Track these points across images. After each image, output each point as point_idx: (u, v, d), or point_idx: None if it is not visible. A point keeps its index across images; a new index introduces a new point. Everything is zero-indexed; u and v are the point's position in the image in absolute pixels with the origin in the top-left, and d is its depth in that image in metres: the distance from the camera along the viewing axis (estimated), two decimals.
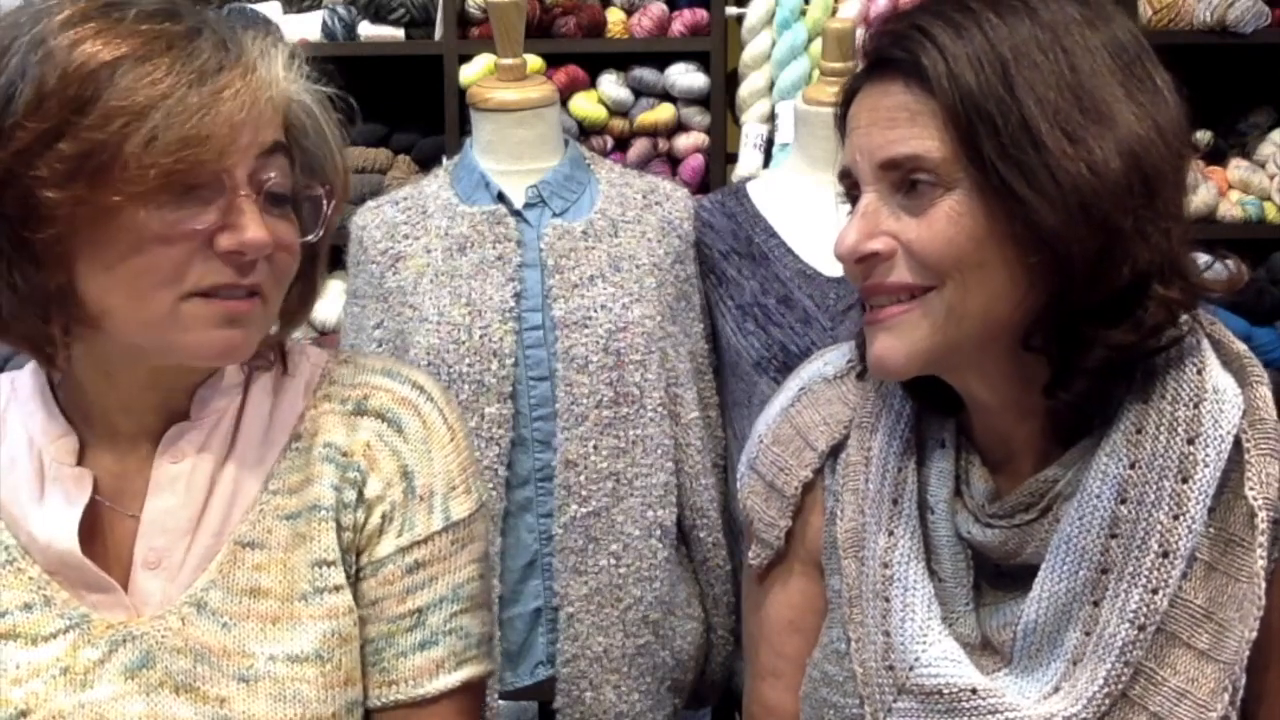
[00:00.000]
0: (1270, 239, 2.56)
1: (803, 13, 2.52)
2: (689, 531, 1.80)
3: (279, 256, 0.98)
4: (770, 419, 1.15)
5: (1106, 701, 0.94)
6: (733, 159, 2.57)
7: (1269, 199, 2.57)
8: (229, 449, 1.03)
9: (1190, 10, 2.50)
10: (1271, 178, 2.57)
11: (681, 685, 1.81)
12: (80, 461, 1.02)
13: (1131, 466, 0.94)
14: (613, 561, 1.70)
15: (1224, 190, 2.56)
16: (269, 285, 0.98)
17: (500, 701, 1.73)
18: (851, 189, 1.01)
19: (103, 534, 1.01)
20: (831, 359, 1.16)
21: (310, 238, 1.01)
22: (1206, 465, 0.93)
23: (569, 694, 1.71)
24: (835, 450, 1.10)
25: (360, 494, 1.03)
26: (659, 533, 1.73)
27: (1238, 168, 2.58)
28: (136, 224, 0.92)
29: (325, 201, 1.02)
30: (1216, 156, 2.63)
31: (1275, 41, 2.53)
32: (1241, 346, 1.00)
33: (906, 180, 0.95)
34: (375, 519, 1.04)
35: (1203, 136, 2.59)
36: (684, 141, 2.58)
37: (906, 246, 0.95)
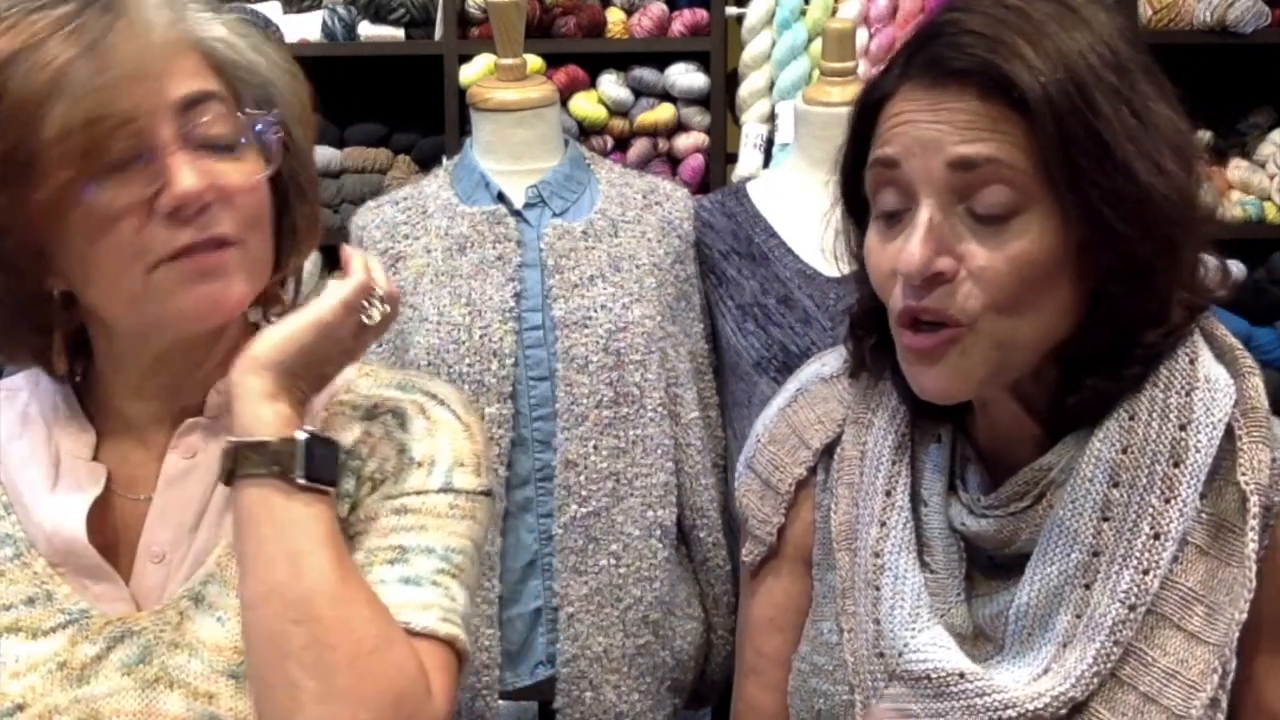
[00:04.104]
0: (1270, 239, 2.55)
1: (803, 13, 2.51)
2: (689, 531, 1.80)
3: (240, 200, 0.96)
4: (768, 419, 1.16)
5: (1095, 680, 0.95)
6: (733, 159, 2.57)
7: (1269, 199, 2.56)
8: None
9: (1190, 10, 2.49)
10: (1271, 178, 2.57)
11: (681, 685, 1.81)
12: (96, 457, 1.02)
13: (1124, 451, 0.96)
14: (613, 561, 1.70)
15: (1224, 190, 2.56)
16: (241, 230, 0.96)
17: (500, 701, 1.73)
18: (883, 185, 0.96)
19: (112, 527, 1.02)
20: (828, 360, 1.16)
21: (268, 170, 0.98)
22: (1198, 450, 0.95)
23: (569, 694, 1.71)
24: (830, 448, 1.11)
25: (358, 477, 1.02)
26: (659, 533, 1.73)
27: (1238, 168, 2.58)
28: (82, 210, 0.91)
29: (274, 128, 0.99)
30: (1216, 156, 2.62)
31: (1275, 41, 2.53)
32: (1233, 340, 1.01)
33: (974, 192, 0.91)
34: (366, 487, 1.01)
35: (1203, 136, 2.59)
36: (684, 141, 2.58)
37: (976, 274, 0.92)
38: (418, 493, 1.01)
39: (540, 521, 1.71)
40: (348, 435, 1.03)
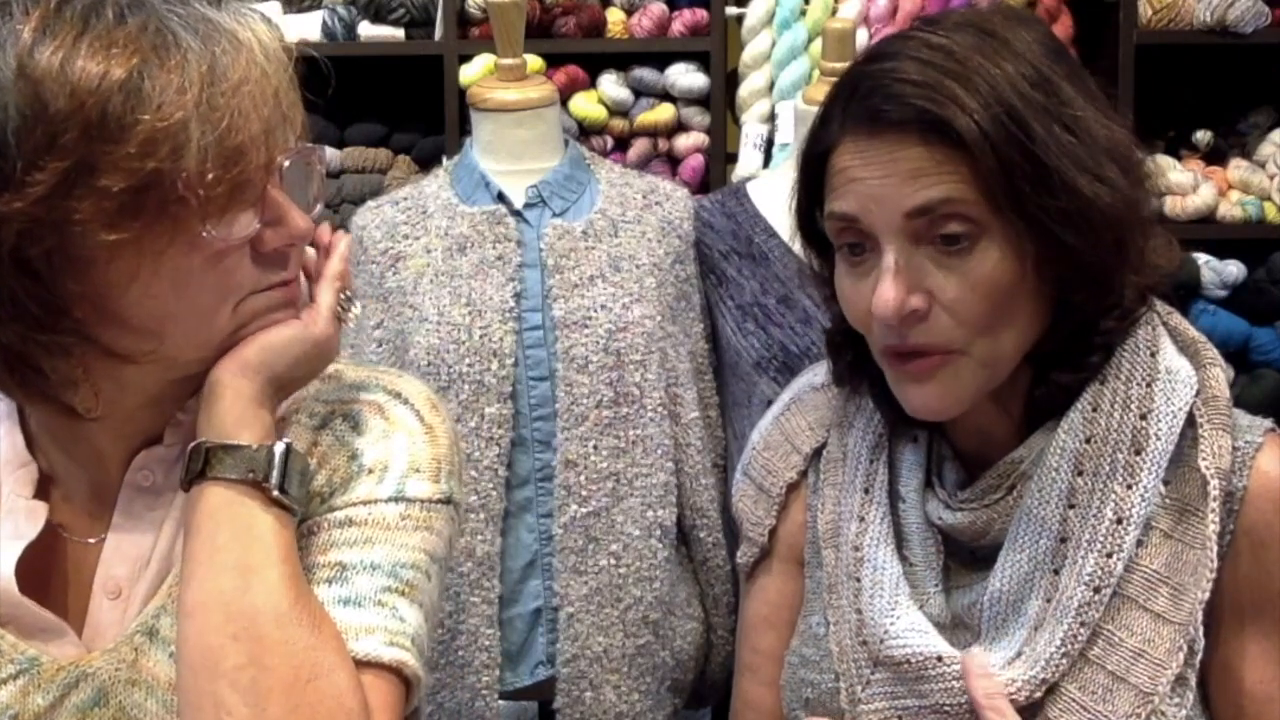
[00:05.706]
0: (1270, 239, 2.55)
1: (803, 13, 2.51)
2: (689, 531, 1.80)
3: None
4: (763, 428, 1.22)
5: (1065, 662, 0.98)
6: (733, 159, 2.56)
7: (1269, 199, 2.56)
8: None
9: (1190, 10, 2.49)
10: (1271, 178, 2.56)
11: (681, 685, 1.82)
12: (43, 490, 0.96)
13: (1087, 441, 0.99)
14: (613, 561, 1.70)
15: (1224, 190, 2.56)
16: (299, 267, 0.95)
17: (500, 701, 1.73)
18: (845, 234, 1.01)
19: (62, 564, 0.96)
20: (820, 370, 1.20)
21: (319, 207, 0.94)
22: (1158, 438, 0.99)
23: (569, 694, 1.71)
24: (820, 451, 1.16)
25: (307, 492, 0.94)
26: (659, 533, 1.73)
27: (1238, 168, 2.58)
28: (191, 248, 0.85)
29: (319, 163, 0.94)
30: (1216, 156, 2.62)
31: (1275, 41, 2.52)
32: (1196, 334, 1.06)
33: (934, 228, 0.96)
34: (315, 502, 0.94)
35: (1203, 136, 2.59)
36: (684, 141, 2.57)
37: (949, 306, 0.97)
38: (365, 502, 0.94)
39: (540, 521, 1.71)
40: (297, 446, 0.94)
